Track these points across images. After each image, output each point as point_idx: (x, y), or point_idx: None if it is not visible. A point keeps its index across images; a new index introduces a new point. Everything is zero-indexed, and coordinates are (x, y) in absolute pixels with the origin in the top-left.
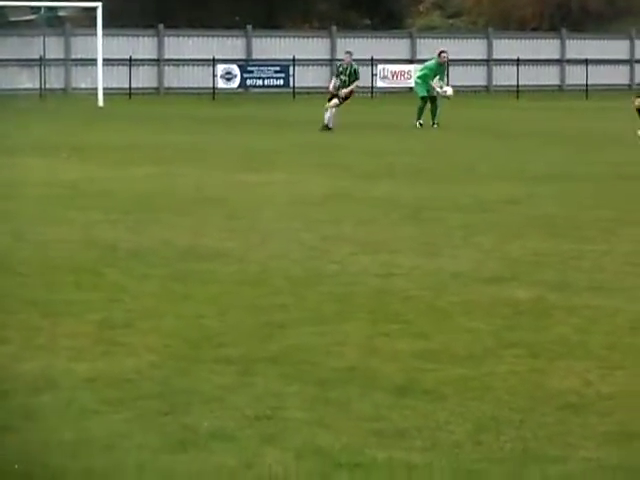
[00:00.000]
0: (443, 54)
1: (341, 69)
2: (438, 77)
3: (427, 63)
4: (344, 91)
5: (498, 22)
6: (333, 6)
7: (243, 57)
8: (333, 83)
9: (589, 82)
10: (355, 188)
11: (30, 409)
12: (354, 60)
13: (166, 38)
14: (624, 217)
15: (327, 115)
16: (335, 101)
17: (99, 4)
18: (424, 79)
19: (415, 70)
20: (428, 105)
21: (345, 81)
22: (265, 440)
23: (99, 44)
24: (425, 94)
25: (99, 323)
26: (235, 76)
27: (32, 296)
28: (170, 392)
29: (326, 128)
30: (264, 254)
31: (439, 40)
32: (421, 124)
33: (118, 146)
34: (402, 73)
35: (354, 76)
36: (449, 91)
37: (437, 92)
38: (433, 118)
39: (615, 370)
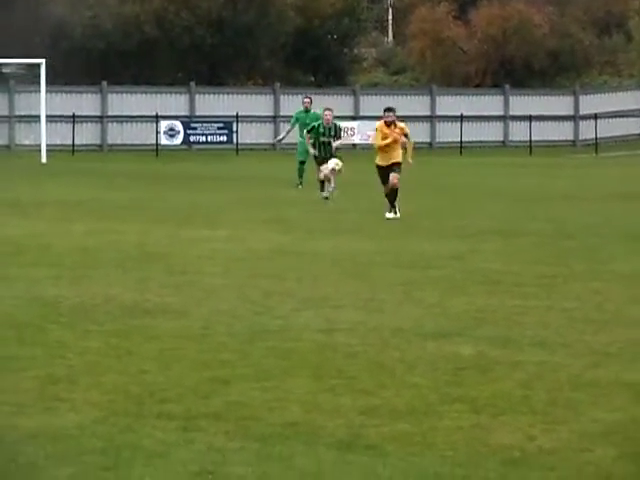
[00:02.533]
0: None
1: (322, 130)
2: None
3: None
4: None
5: (441, 79)
6: (277, 63)
7: (186, 114)
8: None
9: (533, 138)
10: (298, 244)
11: None
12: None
13: (109, 95)
14: (566, 273)
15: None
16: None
17: (42, 61)
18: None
19: (359, 126)
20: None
21: (329, 142)
22: None
23: (42, 101)
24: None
25: (42, 379)
26: (178, 132)
27: None
28: (113, 448)
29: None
30: (207, 310)
31: (382, 97)
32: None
33: (61, 202)
34: (345, 130)
35: (339, 134)
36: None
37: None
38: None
39: (558, 425)
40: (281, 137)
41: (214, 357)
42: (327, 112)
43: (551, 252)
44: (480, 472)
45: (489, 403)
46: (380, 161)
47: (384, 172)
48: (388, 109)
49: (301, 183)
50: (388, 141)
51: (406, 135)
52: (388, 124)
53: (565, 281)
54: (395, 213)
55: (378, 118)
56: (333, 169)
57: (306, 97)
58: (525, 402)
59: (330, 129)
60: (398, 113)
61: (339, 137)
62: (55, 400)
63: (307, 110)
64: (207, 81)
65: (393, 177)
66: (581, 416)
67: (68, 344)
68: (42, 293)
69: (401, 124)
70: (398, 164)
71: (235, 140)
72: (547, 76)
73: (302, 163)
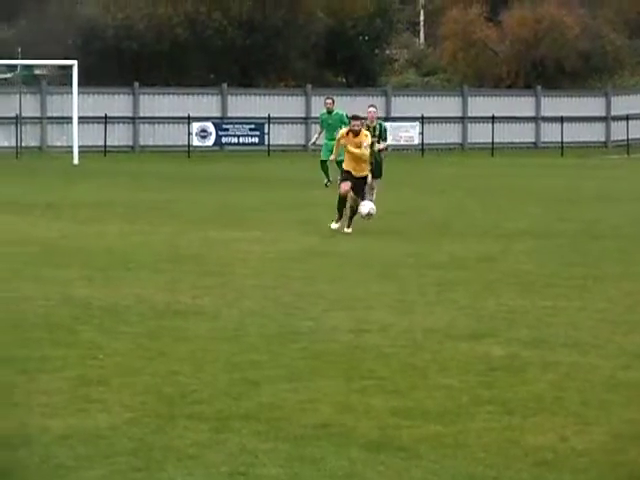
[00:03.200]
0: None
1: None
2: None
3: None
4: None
5: (473, 80)
6: (309, 64)
7: (218, 115)
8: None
9: (564, 139)
10: (329, 245)
11: (5, 466)
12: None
13: (141, 96)
14: (598, 274)
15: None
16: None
17: (75, 62)
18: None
19: (390, 127)
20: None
21: (372, 144)
22: None
23: (75, 102)
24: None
25: (74, 380)
26: (210, 134)
27: (7, 353)
28: (144, 449)
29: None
30: (239, 311)
31: (414, 98)
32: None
33: (93, 203)
34: None
35: (384, 135)
36: None
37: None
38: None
39: (590, 426)
40: (314, 140)
41: (245, 358)
42: (371, 109)
43: (583, 253)
44: (512, 474)
45: (521, 404)
46: (347, 166)
47: (352, 178)
48: (354, 117)
49: (329, 180)
50: (351, 149)
51: (368, 145)
52: (355, 133)
53: (597, 282)
54: (348, 227)
55: (409, 119)
56: (369, 214)
57: (328, 98)
58: (557, 403)
59: (374, 129)
60: (430, 114)
61: (384, 139)
62: (87, 401)
63: (330, 111)
64: (239, 82)
65: (364, 204)
66: (614, 417)
67: (100, 345)
68: (74, 294)
69: (363, 134)
70: (364, 179)
71: (267, 141)
72: (579, 77)
73: (324, 162)
